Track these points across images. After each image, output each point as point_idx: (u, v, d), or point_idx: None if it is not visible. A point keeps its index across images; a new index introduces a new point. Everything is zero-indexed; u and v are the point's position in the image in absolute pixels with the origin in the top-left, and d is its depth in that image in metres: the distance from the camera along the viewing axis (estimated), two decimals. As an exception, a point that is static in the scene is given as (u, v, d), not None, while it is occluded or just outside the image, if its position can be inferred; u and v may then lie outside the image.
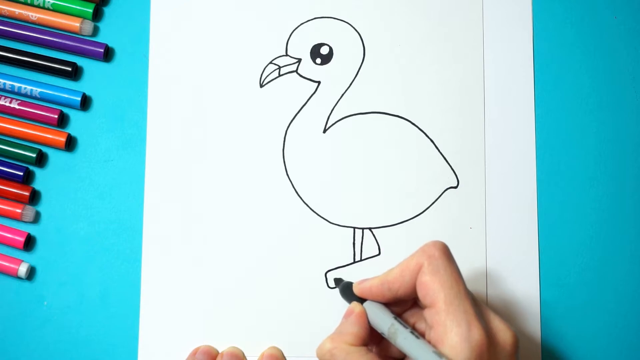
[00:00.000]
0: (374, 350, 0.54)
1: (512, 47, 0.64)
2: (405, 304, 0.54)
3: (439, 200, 0.62)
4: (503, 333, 0.50)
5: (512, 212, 0.62)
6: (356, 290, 0.54)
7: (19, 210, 0.61)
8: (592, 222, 0.62)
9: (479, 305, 0.51)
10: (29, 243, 0.61)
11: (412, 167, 0.62)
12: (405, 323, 0.51)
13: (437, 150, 0.63)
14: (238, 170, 0.62)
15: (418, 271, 0.51)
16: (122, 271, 0.61)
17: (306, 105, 0.63)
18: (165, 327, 0.60)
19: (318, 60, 0.63)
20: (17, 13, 0.63)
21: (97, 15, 0.64)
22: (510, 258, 0.61)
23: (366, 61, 0.64)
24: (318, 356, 0.51)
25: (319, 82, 0.63)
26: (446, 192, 0.62)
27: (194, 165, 0.62)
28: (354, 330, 0.52)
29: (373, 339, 0.53)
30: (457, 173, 0.62)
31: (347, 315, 0.53)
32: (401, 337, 0.50)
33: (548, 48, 0.64)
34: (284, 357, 0.60)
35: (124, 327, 0.60)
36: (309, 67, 0.63)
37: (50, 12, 0.63)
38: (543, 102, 0.63)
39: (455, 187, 0.62)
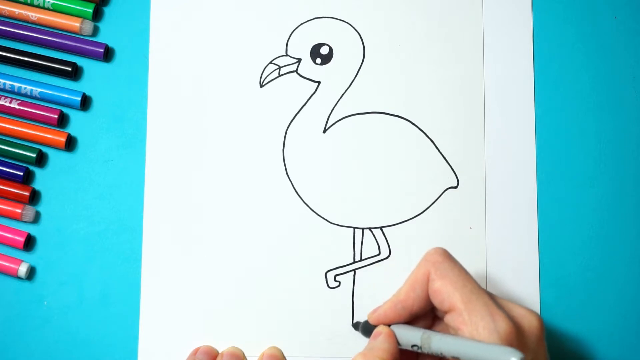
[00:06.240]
0: None
1: (512, 47, 0.64)
2: (424, 321, 0.53)
3: (439, 200, 0.62)
4: (527, 319, 0.50)
5: (512, 212, 0.62)
6: (372, 320, 0.54)
7: (19, 210, 0.61)
8: (592, 222, 0.62)
9: (496, 298, 0.51)
10: (29, 243, 0.61)
11: (412, 167, 0.62)
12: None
13: (437, 150, 0.63)
14: (238, 171, 0.62)
15: (427, 281, 0.51)
16: (122, 271, 0.61)
17: (306, 105, 0.63)
18: (165, 327, 0.60)
19: (318, 60, 0.63)
20: (17, 13, 0.63)
21: (97, 15, 0.64)
22: (510, 258, 0.61)
23: (366, 61, 0.63)
24: None
25: (319, 82, 0.63)
26: (446, 192, 0.62)
27: (194, 165, 0.62)
28: (385, 346, 0.51)
29: None
30: (457, 173, 0.62)
31: (376, 336, 0.53)
32: (436, 339, 0.49)
33: (548, 48, 0.64)
34: (284, 357, 0.60)
35: (124, 327, 0.60)
36: (309, 67, 0.63)
37: (50, 12, 0.63)
38: (543, 102, 0.63)
39: (455, 187, 0.62)
